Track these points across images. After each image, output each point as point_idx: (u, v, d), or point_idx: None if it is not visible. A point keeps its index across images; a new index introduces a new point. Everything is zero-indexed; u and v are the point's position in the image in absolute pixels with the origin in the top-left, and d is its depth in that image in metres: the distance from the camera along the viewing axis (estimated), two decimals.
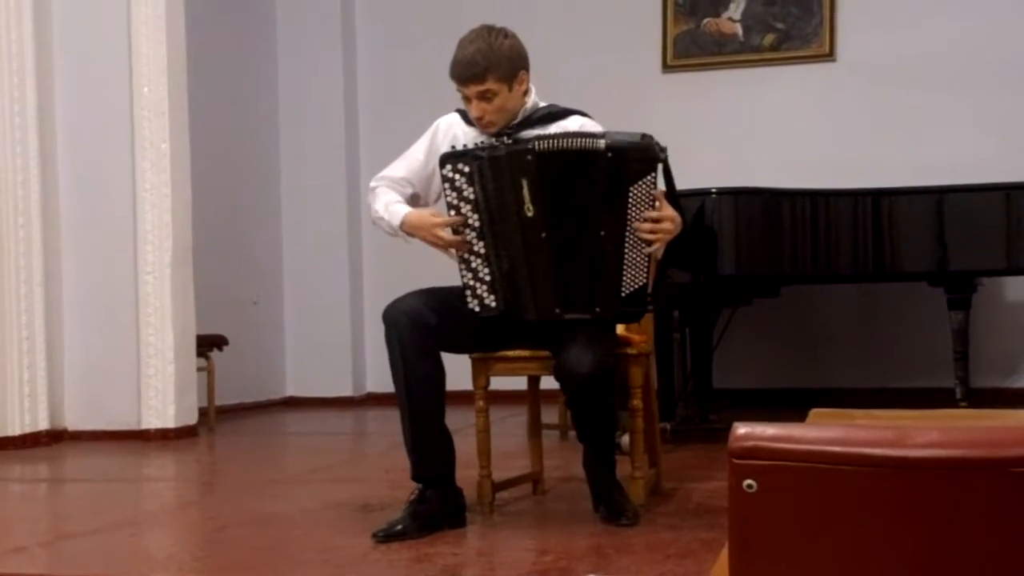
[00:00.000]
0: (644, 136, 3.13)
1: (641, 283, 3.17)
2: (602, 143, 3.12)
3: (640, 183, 3.11)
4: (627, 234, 3.13)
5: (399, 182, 3.46)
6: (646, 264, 3.16)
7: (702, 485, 3.93)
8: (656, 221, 3.12)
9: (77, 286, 5.79)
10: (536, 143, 3.16)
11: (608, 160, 3.10)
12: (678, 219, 3.17)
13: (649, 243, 3.13)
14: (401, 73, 7.61)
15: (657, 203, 3.13)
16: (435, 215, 3.32)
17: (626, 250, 3.14)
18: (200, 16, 6.45)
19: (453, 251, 3.26)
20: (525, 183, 3.13)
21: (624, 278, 3.15)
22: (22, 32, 5.57)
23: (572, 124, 3.32)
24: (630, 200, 3.11)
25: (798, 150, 6.77)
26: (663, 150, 3.13)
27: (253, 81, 7.56)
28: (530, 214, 3.14)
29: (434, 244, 3.29)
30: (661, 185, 3.20)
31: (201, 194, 6.11)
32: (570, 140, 3.17)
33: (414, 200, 3.47)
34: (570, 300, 3.18)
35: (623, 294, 3.16)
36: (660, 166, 3.13)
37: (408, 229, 3.33)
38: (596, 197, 3.13)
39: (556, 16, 7.07)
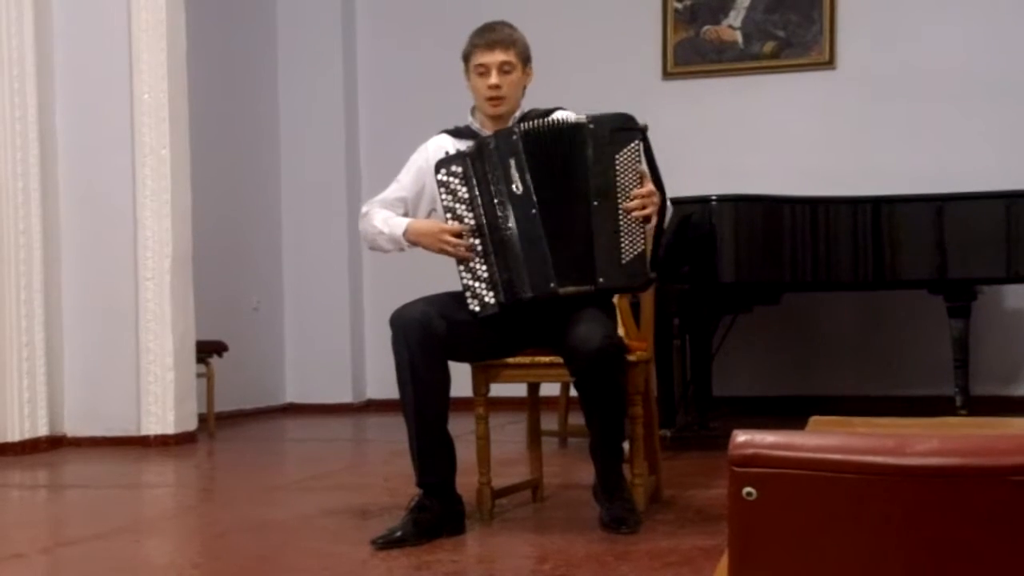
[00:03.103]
0: (625, 114, 3.29)
1: (639, 249, 3.21)
2: (583, 116, 3.28)
3: (625, 151, 3.21)
4: (619, 202, 3.20)
5: (392, 203, 3.52)
6: (642, 231, 3.21)
7: (702, 492, 3.93)
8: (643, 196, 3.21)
9: (77, 292, 5.78)
10: (520, 124, 3.29)
11: (591, 131, 3.23)
12: (657, 193, 3.23)
13: (645, 220, 3.20)
14: (402, 77, 7.62)
15: (642, 177, 3.21)
16: (441, 222, 3.35)
17: (620, 217, 3.19)
18: (201, 22, 6.45)
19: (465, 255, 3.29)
20: (513, 162, 3.24)
21: (622, 245, 3.19)
22: (23, 38, 5.57)
23: (557, 116, 3.38)
24: (617, 168, 3.21)
25: (798, 158, 6.78)
26: (646, 127, 3.23)
27: (254, 87, 7.57)
28: (519, 191, 3.23)
29: (441, 251, 3.31)
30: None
31: (201, 200, 6.12)
32: (553, 119, 3.31)
33: None
34: (568, 274, 3.22)
35: (623, 261, 3.19)
36: (642, 144, 3.21)
37: (412, 237, 3.36)
38: (585, 170, 3.22)
39: (557, 24, 7.07)
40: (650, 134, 3.28)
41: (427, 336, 3.18)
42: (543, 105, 3.49)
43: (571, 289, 3.21)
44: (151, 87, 5.76)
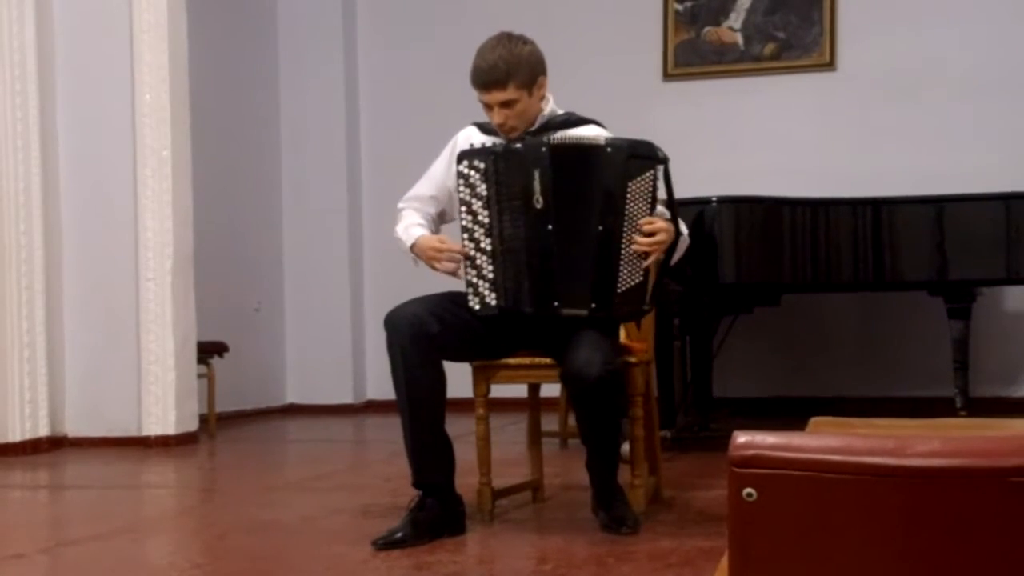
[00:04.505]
0: (647, 141, 3.21)
1: (638, 280, 3.17)
2: (603, 139, 3.22)
3: (639, 179, 3.15)
4: (624, 231, 3.15)
5: (426, 201, 3.51)
6: (642, 263, 3.17)
7: (702, 493, 3.93)
8: (651, 234, 3.15)
9: (78, 293, 5.79)
10: (551, 137, 3.24)
11: (608, 156, 3.17)
12: (671, 228, 3.18)
13: (646, 255, 3.15)
14: (403, 78, 7.62)
15: (653, 212, 3.16)
16: (441, 240, 3.36)
17: (623, 247, 3.16)
18: (202, 23, 6.46)
19: (458, 272, 3.30)
20: (537, 174, 3.19)
21: (620, 275, 3.17)
22: (24, 39, 5.58)
23: (588, 132, 3.35)
24: (628, 196, 3.15)
25: (798, 159, 6.78)
26: (665, 158, 3.17)
27: (255, 89, 7.57)
28: (539, 206, 3.20)
29: (432, 266, 3.34)
30: (662, 193, 3.22)
31: (202, 201, 6.12)
32: (579, 138, 3.26)
33: (441, 217, 3.53)
34: (568, 296, 3.20)
35: (619, 290, 3.17)
36: (661, 170, 3.16)
37: (416, 251, 3.39)
38: (597, 193, 3.18)
39: (557, 25, 7.08)
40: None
41: (420, 336, 3.18)
42: (566, 107, 3.47)
43: (571, 311, 3.20)
44: (152, 88, 5.76)
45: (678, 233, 3.21)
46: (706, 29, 7.10)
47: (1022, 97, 6.61)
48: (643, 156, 3.16)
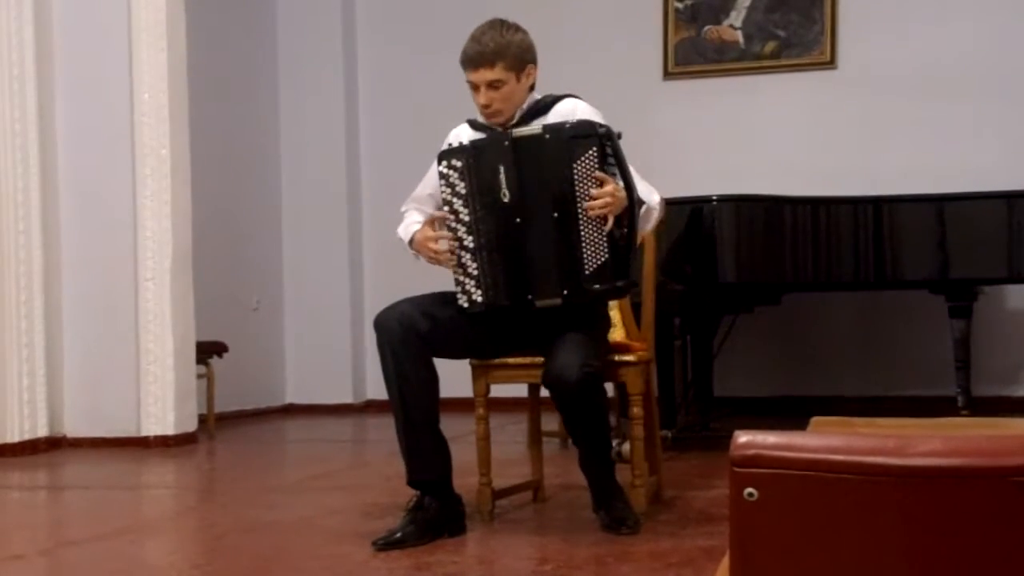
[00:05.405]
0: (586, 120, 3.20)
1: (603, 259, 3.14)
2: (539, 127, 3.22)
3: (582, 159, 3.14)
4: (579, 212, 3.14)
5: (424, 201, 3.51)
6: (605, 240, 3.14)
7: (703, 493, 3.93)
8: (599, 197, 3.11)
9: (77, 292, 5.78)
10: (512, 131, 3.25)
11: (548, 142, 3.18)
12: (621, 193, 3.12)
13: (601, 219, 3.12)
14: (402, 76, 7.62)
15: (600, 180, 3.12)
16: (432, 226, 3.35)
17: (581, 227, 3.14)
18: (201, 22, 6.45)
19: (450, 263, 3.29)
20: (502, 168, 3.21)
21: (584, 255, 3.14)
22: (23, 38, 5.57)
23: (566, 107, 3.33)
24: (575, 177, 3.14)
25: (799, 157, 6.77)
26: (610, 134, 3.14)
27: (254, 87, 7.57)
28: (506, 200, 3.21)
29: (428, 259, 3.32)
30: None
31: (201, 200, 6.11)
32: (532, 129, 3.25)
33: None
34: (541, 287, 3.20)
35: (586, 272, 3.15)
36: (608, 146, 3.14)
37: (415, 246, 3.38)
38: (550, 180, 3.18)
39: (558, 24, 7.07)
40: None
41: (409, 335, 3.18)
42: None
43: (545, 302, 3.20)
44: (151, 87, 5.75)
45: (632, 202, 3.14)
46: (706, 27, 7.09)
47: (1022, 96, 6.60)
48: (583, 135, 3.15)
